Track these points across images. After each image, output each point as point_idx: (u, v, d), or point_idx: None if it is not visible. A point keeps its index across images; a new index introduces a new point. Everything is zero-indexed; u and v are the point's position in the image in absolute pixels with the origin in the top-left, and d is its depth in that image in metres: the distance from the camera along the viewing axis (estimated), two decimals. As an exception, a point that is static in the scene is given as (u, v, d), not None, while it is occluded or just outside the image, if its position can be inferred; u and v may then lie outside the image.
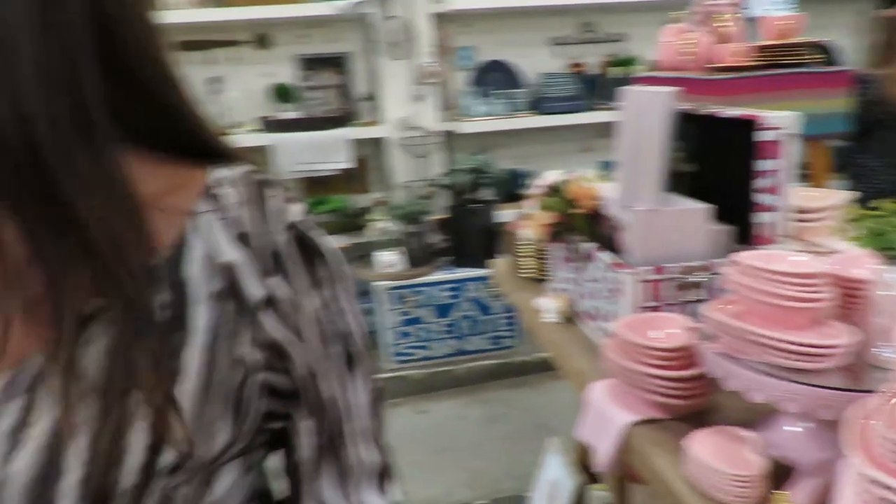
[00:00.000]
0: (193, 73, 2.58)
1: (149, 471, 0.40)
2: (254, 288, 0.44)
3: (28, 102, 0.35)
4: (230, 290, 0.44)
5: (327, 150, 2.59)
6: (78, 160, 0.37)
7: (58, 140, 0.36)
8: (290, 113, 2.67)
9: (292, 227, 0.46)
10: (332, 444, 0.50)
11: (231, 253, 0.44)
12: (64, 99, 0.36)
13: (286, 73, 2.77)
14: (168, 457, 0.40)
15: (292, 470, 0.51)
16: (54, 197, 0.36)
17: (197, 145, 0.47)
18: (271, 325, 0.45)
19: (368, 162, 2.90)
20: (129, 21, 0.40)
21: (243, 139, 2.50)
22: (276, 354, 0.46)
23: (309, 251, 0.47)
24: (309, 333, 0.47)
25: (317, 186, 2.79)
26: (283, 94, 2.71)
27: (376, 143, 2.82)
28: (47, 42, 0.36)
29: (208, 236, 0.44)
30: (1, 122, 0.35)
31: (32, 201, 0.36)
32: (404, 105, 2.75)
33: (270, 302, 0.45)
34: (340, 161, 2.62)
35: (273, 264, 0.45)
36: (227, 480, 0.47)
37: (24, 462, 0.38)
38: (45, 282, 0.37)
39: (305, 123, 2.61)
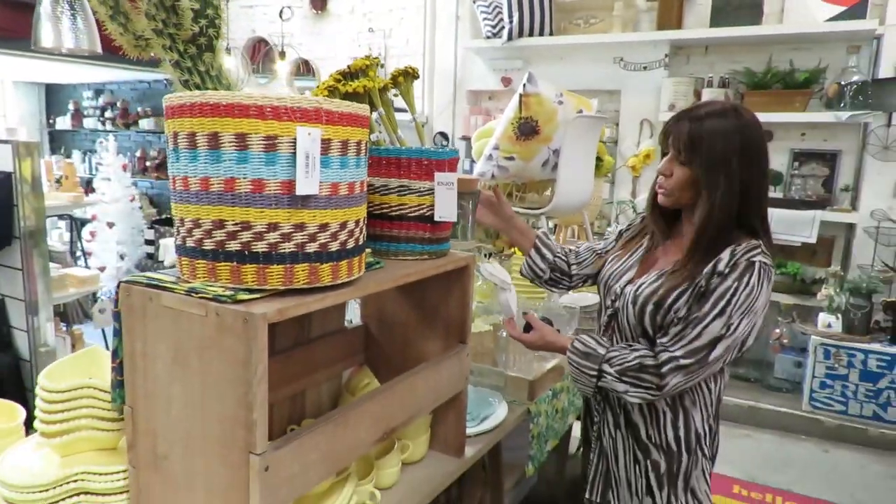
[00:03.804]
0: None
1: None
2: None
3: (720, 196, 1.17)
4: None
5: (796, 226, 3.30)
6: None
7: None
8: (776, 194, 3.47)
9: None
10: None
11: None
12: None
13: (780, 162, 3.56)
14: None
15: None
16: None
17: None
18: None
19: (834, 242, 3.47)
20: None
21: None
22: None
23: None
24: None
25: (780, 253, 3.51)
26: (774, 178, 3.52)
27: (848, 227, 3.38)
28: (744, 171, 1.16)
29: None
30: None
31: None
32: (882, 199, 3.24)
33: None
34: (805, 236, 3.29)
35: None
36: None
37: None
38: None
39: (785, 202, 3.37)
